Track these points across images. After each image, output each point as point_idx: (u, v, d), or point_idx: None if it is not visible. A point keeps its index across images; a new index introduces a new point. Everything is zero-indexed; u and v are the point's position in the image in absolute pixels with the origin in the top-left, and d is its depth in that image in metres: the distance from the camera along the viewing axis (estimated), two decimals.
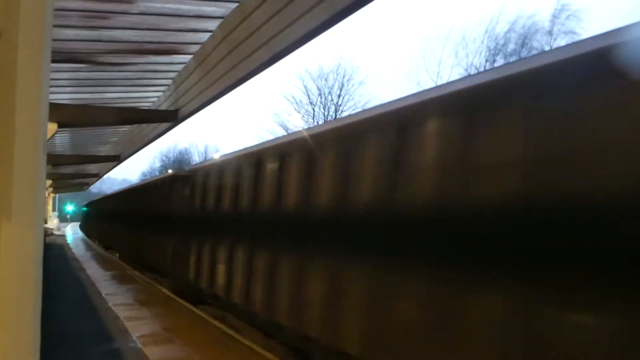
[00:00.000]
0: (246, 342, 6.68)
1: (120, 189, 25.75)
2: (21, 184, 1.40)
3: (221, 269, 8.04)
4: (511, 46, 27.89)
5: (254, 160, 7.21)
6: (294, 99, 36.41)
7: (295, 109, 36.08)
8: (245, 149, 8.14)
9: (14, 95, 1.38)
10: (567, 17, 26.72)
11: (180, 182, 10.94)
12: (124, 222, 19.17)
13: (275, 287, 6.13)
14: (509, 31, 28.20)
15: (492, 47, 28.75)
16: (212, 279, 8.34)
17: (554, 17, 26.93)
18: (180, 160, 62.51)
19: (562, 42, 25.74)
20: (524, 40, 27.56)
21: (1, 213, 1.34)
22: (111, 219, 23.17)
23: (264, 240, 6.67)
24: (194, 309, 9.00)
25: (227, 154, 9.25)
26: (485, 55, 28.84)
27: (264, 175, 6.76)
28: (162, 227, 12.10)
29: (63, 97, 11.19)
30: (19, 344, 1.39)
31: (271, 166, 6.63)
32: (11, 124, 1.38)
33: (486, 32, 29.00)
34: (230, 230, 8.08)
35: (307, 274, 5.56)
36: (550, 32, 26.86)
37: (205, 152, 63.18)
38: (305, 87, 36.04)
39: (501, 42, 28.51)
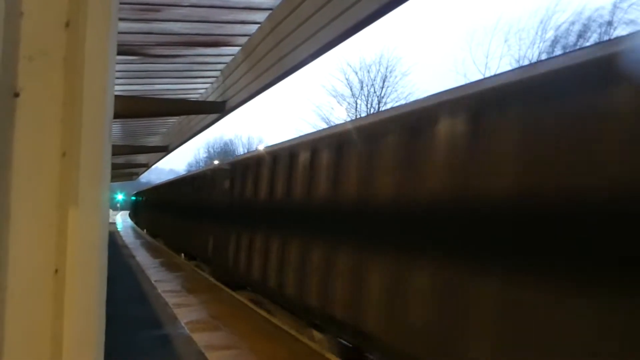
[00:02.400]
0: (292, 332, 6.73)
1: (165, 180, 27.31)
2: (88, 173, 1.43)
3: (248, 255, 9.26)
4: (571, 38, 26.74)
5: (277, 156, 8.45)
6: (336, 91, 36.29)
7: (338, 102, 35.97)
8: (272, 146, 9.27)
9: (81, 85, 1.41)
10: (630, 6, 25.40)
11: (217, 175, 11.97)
12: (166, 211, 21.89)
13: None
14: (572, 22, 27.05)
15: (548, 38, 27.73)
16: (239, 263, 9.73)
17: (615, 6, 25.68)
18: (225, 152, 63.51)
19: (623, 32, 24.59)
20: (580, 32, 26.40)
21: (69, 201, 1.38)
22: (158, 208, 25.66)
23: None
24: (239, 297, 9.13)
25: (256, 150, 10.76)
26: (539, 47, 27.86)
27: (293, 170, 7.86)
28: (196, 216, 13.91)
29: (115, 88, 11.48)
30: (86, 327, 1.43)
31: (294, 162, 7.85)
32: (78, 114, 1.41)
33: (541, 22, 28.00)
34: (264, 220, 9.16)
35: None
36: (610, 22, 25.62)
37: (249, 144, 63.97)
38: (347, 79, 35.84)
39: (559, 33, 27.38)
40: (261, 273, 8.44)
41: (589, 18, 26.39)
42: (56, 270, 1.36)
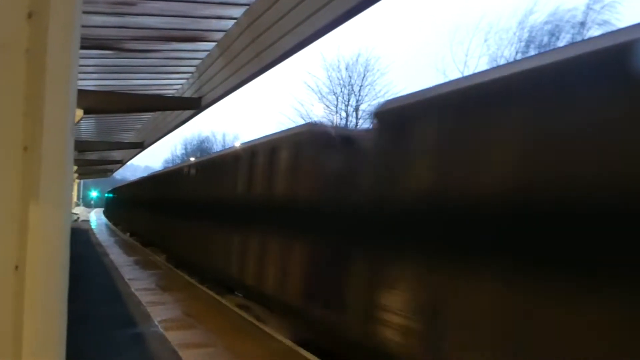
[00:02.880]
0: (267, 329, 6.72)
1: (131, 180, 30.34)
2: (50, 167, 1.40)
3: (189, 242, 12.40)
4: (545, 38, 27.20)
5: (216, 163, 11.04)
6: (317, 88, 36.26)
7: (317, 100, 35.95)
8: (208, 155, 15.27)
9: (44, 78, 1.38)
10: (602, 7, 25.92)
11: (141, 182, 19.29)
12: (121, 206, 29.64)
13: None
14: (546, 23, 27.45)
15: (524, 38, 28.17)
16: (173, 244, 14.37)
17: (589, 7, 26.19)
18: (201, 148, 62.93)
19: (595, 33, 25.07)
20: (554, 32, 26.89)
21: (30, 196, 1.35)
22: (117, 204, 33.20)
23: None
24: (214, 295, 9.08)
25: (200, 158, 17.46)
26: (516, 47, 28.29)
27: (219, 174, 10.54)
28: (132, 207, 21.33)
29: (89, 83, 11.31)
30: (47, 324, 1.40)
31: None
32: (40, 107, 1.38)
33: (519, 23, 28.39)
34: (159, 207, 16.12)
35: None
36: (583, 23, 26.12)
37: (224, 141, 63.55)
38: (328, 77, 35.87)
39: (534, 33, 27.83)
40: (159, 236, 16.05)
41: (560, 19, 26.90)
42: (16, 267, 1.33)
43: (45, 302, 1.38)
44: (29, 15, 1.36)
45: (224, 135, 66.11)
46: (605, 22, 25.18)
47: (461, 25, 53.34)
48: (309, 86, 37.25)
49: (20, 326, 1.32)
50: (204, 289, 9.68)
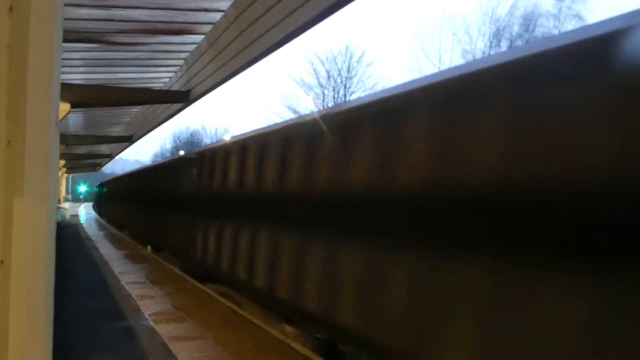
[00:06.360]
0: (257, 322, 6.73)
1: (118, 175, 30.74)
2: (34, 161, 1.39)
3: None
4: (515, 28, 27.66)
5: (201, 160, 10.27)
6: (303, 81, 36.33)
7: (305, 92, 36.00)
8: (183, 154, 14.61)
9: (26, 72, 1.37)
10: (573, 0, 26.21)
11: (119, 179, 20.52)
12: (107, 199, 30.93)
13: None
14: (512, 15, 27.82)
15: (494, 30, 28.68)
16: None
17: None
18: (191, 142, 62.72)
19: (569, 26, 25.36)
20: (528, 24, 27.26)
21: (15, 190, 1.34)
22: (102, 197, 34.61)
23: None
24: (204, 288, 9.09)
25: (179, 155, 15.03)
26: (489, 38, 28.76)
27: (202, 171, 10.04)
28: (130, 203, 19.74)
29: (76, 77, 11.20)
30: (33, 319, 1.40)
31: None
32: (23, 101, 1.37)
33: (487, 14, 28.90)
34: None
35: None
36: (557, 16, 26.43)
37: (216, 134, 63.41)
38: (314, 70, 35.94)
39: (503, 25, 28.33)
40: (132, 222, 18.29)
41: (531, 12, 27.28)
42: (2, 262, 1.33)
43: (31, 296, 1.38)
44: (10, 9, 1.35)
45: (216, 129, 66.09)
46: (577, 16, 25.47)
47: (425, 23, 54.56)
48: (295, 80, 37.36)
49: (6, 320, 1.33)
50: (193, 281, 9.68)
